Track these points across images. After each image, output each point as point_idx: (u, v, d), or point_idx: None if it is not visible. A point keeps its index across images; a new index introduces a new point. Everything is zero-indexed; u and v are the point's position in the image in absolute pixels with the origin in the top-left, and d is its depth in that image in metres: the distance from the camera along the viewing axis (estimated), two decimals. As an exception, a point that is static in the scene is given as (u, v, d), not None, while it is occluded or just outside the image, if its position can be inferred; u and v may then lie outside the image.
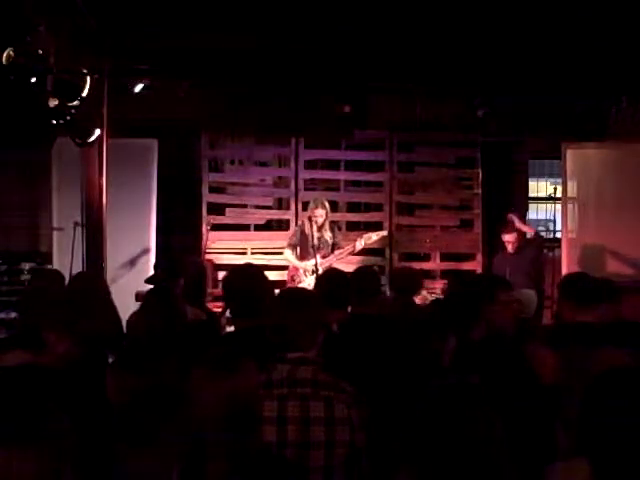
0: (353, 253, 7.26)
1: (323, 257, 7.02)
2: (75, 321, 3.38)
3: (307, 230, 7.19)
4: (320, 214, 7.11)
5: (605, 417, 1.84)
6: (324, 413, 2.57)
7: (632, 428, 1.80)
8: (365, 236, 7.29)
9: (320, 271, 6.98)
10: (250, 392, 2.28)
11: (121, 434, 2.40)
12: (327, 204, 7.26)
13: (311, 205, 7.42)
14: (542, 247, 7.85)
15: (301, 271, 7.19)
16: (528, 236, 7.60)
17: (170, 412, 2.48)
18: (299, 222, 7.72)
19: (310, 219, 7.18)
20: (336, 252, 7.14)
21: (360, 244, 7.18)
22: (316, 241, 7.08)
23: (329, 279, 4.28)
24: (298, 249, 7.31)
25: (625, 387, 1.87)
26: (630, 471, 1.80)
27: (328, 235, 7.14)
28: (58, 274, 5.22)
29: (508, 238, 7.48)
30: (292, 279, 7.17)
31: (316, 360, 2.71)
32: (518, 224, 7.63)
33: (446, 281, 7.25)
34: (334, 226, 7.40)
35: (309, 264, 7.10)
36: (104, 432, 2.43)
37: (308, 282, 7.00)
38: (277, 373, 2.66)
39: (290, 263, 7.36)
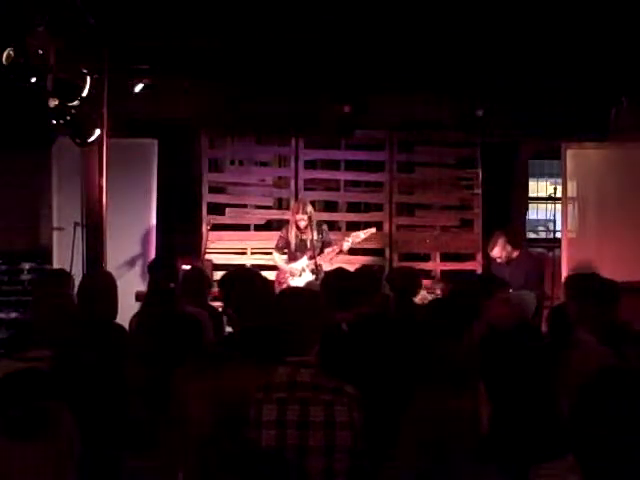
0: (342, 253, 7.18)
1: (310, 258, 6.96)
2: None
3: (290, 233, 7.14)
4: (302, 218, 7.02)
5: (596, 418, 1.83)
6: (324, 417, 2.55)
7: (623, 430, 1.80)
8: (353, 235, 7.23)
9: (307, 272, 6.96)
10: (237, 393, 2.27)
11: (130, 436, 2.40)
12: (310, 207, 7.15)
13: (293, 207, 7.39)
14: (539, 265, 7.64)
15: (287, 274, 7.15)
16: (514, 255, 7.40)
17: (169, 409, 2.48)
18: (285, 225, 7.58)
19: (295, 224, 7.11)
20: (325, 252, 7.07)
21: (348, 244, 7.10)
22: (294, 246, 7.05)
23: (336, 279, 4.26)
24: (286, 251, 7.28)
25: (618, 388, 1.87)
26: (619, 472, 1.80)
27: (314, 236, 6.98)
28: (65, 275, 5.15)
29: (492, 254, 7.42)
30: (280, 282, 7.09)
31: (316, 363, 2.68)
32: (501, 244, 7.41)
33: (443, 283, 7.19)
34: (322, 224, 7.26)
35: (295, 266, 7.08)
36: (111, 434, 2.43)
37: (295, 284, 6.99)
38: (277, 376, 2.64)
39: (278, 265, 7.33)
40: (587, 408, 1.85)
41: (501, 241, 7.27)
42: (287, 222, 7.43)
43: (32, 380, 2.21)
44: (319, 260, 6.91)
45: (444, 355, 2.90)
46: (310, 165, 8.60)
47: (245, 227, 8.52)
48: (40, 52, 4.84)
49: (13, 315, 7.48)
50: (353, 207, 8.72)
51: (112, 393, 2.64)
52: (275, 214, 8.59)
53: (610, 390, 1.86)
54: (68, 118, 5.72)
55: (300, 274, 7.06)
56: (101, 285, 4.25)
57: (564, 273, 7.80)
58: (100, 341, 3.45)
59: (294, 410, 2.56)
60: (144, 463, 2.33)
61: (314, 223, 7.06)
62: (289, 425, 2.55)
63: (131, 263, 7.78)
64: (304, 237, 7.07)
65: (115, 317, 4.17)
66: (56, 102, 5.38)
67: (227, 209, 8.44)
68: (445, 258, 8.65)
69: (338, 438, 2.53)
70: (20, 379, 2.22)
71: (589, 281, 3.90)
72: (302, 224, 7.03)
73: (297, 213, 7.10)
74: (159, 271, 5.30)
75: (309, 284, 6.63)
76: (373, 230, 7.43)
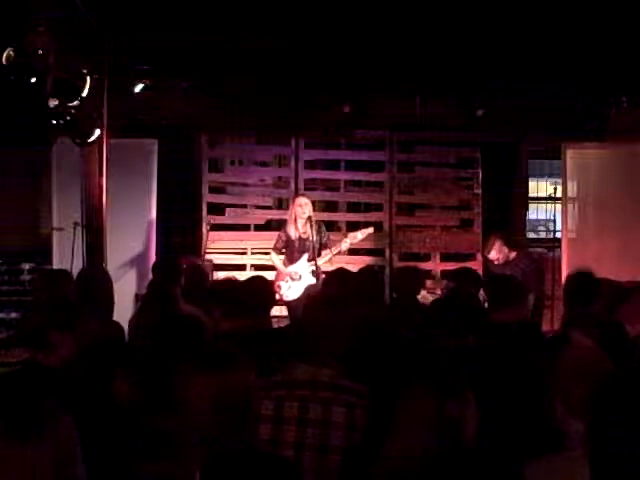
0: (340, 254, 7.16)
1: (309, 260, 6.90)
2: (78, 322, 3.37)
3: (291, 233, 7.08)
4: (305, 202, 6.95)
5: (611, 420, 1.83)
6: (322, 415, 2.54)
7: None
8: (350, 235, 7.22)
9: (307, 274, 6.93)
10: (239, 389, 2.27)
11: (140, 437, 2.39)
12: (309, 201, 7.09)
13: (292, 200, 7.38)
14: (536, 265, 7.59)
15: (287, 276, 7.09)
16: (511, 257, 7.37)
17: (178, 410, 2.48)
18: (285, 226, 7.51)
19: (295, 220, 7.08)
20: (323, 254, 7.02)
21: (346, 244, 7.09)
22: (297, 244, 7.02)
23: (339, 280, 4.25)
24: (284, 251, 7.24)
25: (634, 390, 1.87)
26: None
27: (313, 236, 6.83)
28: (65, 275, 5.15)
29: (489, 257, 7.40)
30: (278, 284, 7.02)
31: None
32: (498, 247, 7.39)
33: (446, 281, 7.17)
34: (321, 225, 7.17)
35: (292, 268, 7.02)
36: (107, 432, 2.43)
37: (288, 286, 6.94)
38: (299, 374, 2.64)
39: (276, 267, 7.25)
40: (603, 410, 1.85)
41: (498, 243, 7.27)
42: (286, 222, 7.39)
43: (30, 380, 2.22)
44: (318, 262, 6.86)
45: (433, 360, 2.90)
46: (310, 165, 8.59)
47: (245, 227, 8.52)
48: (40, 52, 4.85)
49: (13, 315, 7.49)
50: (353, 207, 8.72)
51: (106, 395, 2.63)
52: (275, 214, 8.58)
53: (627, 392, 1.85)
54: (68, 118, 5.72)
55: (300, 277, 7.01)
56: (97, 281, 4.25)
57: (564, 273, 7.80)
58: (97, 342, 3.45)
59: (293, 407, 2.56)
60: (160, 466, 2.32)
61: (314, 223, 7.02)
62: (287, 422, 2.55)
63: (131, 263, 7.77)
64: (304, 236, 7.02)
65: (112, 312, 4.17)
66: (56, 102, 5.39)
67: (227, 209, 8.45)
68: (445, 258, 8.64)
69: (332, 438, 2.52)
70: (17, 379, 2.22)
71: (588, 281, 3.91)
72: (306, 209, 6.90)
73: (297, 198, 7.15)
74: (162, 272, 5.28)
75: (309, 287, 6.61)
76: (370, 230, 7.42)
